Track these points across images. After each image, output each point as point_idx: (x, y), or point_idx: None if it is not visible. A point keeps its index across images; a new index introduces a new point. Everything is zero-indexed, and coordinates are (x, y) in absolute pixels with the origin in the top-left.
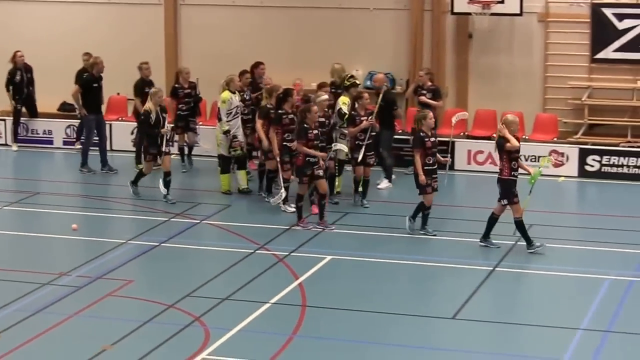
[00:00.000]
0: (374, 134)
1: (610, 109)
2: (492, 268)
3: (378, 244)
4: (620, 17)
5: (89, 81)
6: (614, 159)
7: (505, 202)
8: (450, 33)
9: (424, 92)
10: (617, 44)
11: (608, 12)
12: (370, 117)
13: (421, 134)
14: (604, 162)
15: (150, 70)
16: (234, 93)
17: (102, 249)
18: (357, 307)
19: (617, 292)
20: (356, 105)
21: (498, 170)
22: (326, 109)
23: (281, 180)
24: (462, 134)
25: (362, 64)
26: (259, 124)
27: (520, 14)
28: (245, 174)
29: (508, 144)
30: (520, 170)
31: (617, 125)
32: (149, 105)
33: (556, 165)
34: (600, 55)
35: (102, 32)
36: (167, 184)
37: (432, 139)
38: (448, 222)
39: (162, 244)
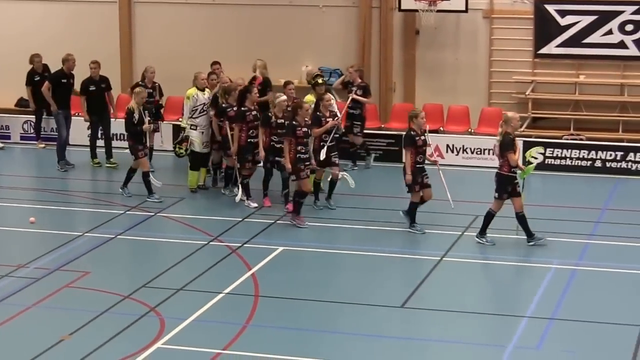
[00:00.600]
0: (337, 135)
1: (553, 103)
2: (439, 258)
3: (328, 235)
4: (563, 13)
5: (58, 77)
6: (557, 151)
7: (505, 196)
8: (397, 29)
9: (354, 88)
10: (559, 39)
11: (551, 8)
12: (336, 118)
13: (412, 132)
14: (547, 155)
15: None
16: (201, 90)
17: (59, 242)
18: (308, 296)
19: (560, 280)
20: (320, 106)
21: (498, 167)
22: (286, 109)
23: (238, 176)
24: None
25: (312, 60)
26: (215, 121)
27: (466, 11)
28: (205, 172)
29: (511, 156)
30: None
31: (560, 118)
32: (132, 104)
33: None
34: (543, 51)
35: (58, 30)
36: (129, 179)
37: (423, 138)
38: (392, 214)
39: (118, 236)
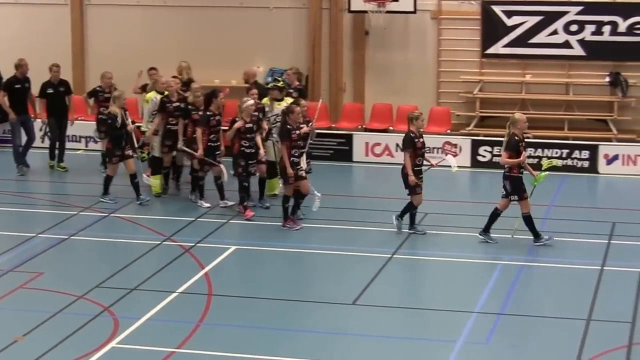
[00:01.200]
0: (310, 142)
1: (500, 102)
2: (390, 255)
3: (280, 235)
4: (509, 14)
5: (11, 83)
6: None
7: (516, 198)
8: (347, 30)
9: (291, 91)
10: (506, 39)
11: (497, 9)
12: (310, 124)
13: (411, 134)
14: (495, 153)
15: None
16: (161, 94)
17: (13, 243)
18: (261, 294)
19: (508, 276)
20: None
21: (507, 169)
22: (254, 113)
23: (197, 178)
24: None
25: (264, 61)
26: (181, 124)
27: (414, 12)
28: (161, 177)
29: (504, 155)
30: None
31: (507, 117)
32: (113, 108)
33: (446, 153)
34: (490, 51)
35: (8, 33)
36: (136, 186)
37: (422, 140)
38: (345, 212)
39: (72, 237)
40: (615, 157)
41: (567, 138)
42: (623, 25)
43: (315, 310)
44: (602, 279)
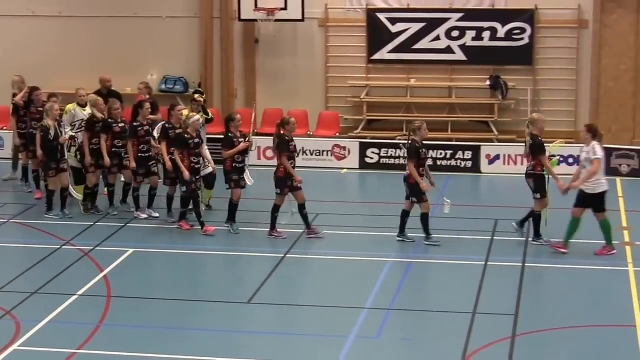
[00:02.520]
0: (247, 156)
1: (386, 106)
2: (283, 255)
3: (177, 237)
4: (393, 21)
5: None
6: (392, 151)
7: (539, 196)
8: (238, 38)
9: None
10: (391, 45)
11: (382, 16)
12: (247, 138)
13: (416, 144)
14: (382, 155)
15: None
16: (81, 106)
17: None
18: (159, 296)
19: (397, 273)
20: (231, 127)
21: (531, 167)
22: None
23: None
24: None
25: (158, 69)
26: (103, 139)
27: (302, 20)
28: (83, 189)
29: (545, 160)
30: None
31: (393, 120)
32: (47, 121)
33: (338, 158)
34: (376, 57)
35: None
36: (64, 200)
37: (424, 150)
38: (241, 214)
39: None
40: (497, 157)
41: (450, 139)
42: (502, 31)
43: (212, 309)
44: (486, 274)
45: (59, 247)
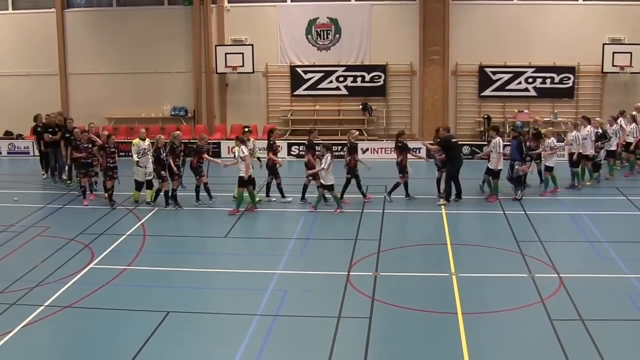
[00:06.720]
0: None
1: (302, 122)
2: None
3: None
4: (306, 72)
5: None
6: (302, 148)
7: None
8: (216, 83)
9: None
10: (304, 85)
11: (299, 70)
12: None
13: (405, 142)
14: (300, 150)
15: None
16: (142, 140)
17: None
18: None
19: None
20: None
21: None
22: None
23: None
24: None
25: (169, 102)
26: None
27: (253, 72)
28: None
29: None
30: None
31: (306, 129)
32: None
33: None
34: (296, 92)
35: None
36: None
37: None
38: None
39: None
40: (367, 150)
41: (340, 140)
42: (368, 77)
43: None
44: None
45: (126, 214)
